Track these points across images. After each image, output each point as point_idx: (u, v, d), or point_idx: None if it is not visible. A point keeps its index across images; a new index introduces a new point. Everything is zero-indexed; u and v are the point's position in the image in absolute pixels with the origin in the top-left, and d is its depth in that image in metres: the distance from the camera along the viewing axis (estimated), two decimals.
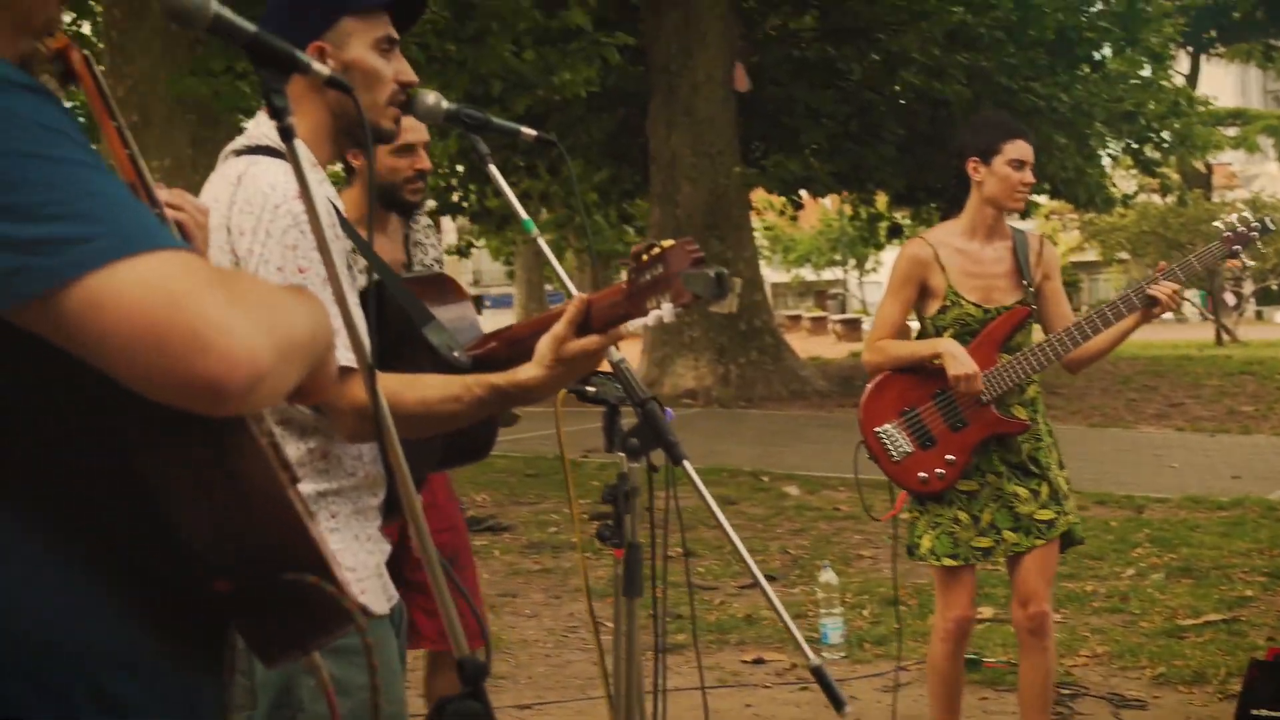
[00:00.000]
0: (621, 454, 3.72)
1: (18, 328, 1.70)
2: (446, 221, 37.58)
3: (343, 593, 1.95)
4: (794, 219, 36.56)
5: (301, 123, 3.39)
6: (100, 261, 1.66)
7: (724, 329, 23.88)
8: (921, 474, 5.55)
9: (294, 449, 3.21)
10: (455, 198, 29.86)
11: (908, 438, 5.57)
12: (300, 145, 3.35)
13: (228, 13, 2.21)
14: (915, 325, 5.82)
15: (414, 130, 5.40)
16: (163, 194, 2.50)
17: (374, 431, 3.21)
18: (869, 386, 5.70)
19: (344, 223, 3.38)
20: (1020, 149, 5.52)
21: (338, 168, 3.82)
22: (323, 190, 3.33)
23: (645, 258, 3.12)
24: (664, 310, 3.08)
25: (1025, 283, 5.59)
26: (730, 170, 24.45)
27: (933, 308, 5.62)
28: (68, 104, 1.95)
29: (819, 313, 65.14)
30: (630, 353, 25.85)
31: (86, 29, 23.40)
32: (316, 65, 2.32)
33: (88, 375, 1.72)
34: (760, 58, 26.63)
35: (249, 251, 3.17)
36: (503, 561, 10.96)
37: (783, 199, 30.81)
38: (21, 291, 1.65)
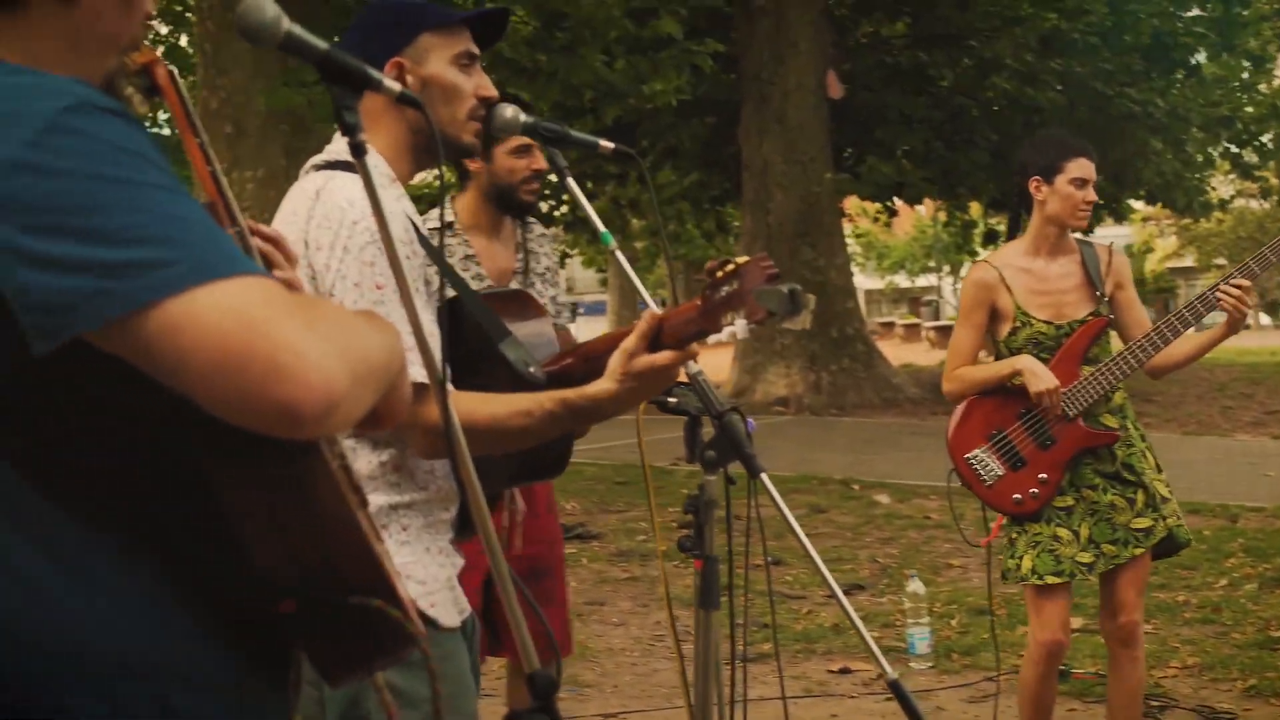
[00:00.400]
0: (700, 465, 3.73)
1: (96, 348, 1.73)
2: None
3: (407, 616, 1.98)
4: (887, 225, 36.43)
5: (380, 138, 3.43)
6: (180, 286, 1.68)
7: (816, 336, 23.82)
8: (1016, 496, 5.51)
9: (366, 462, 3.24)
10: (546, 207, 29.97)
11: (998, 461, 5.54)
12: (378, 160, 3.40)
13: (299, 30, 2.23)
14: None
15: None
16: (259, 242, 2.52)
17: (446, 448, 3.25)
18: (954, 414, 5.68)
19: (422, 239, 3.40)
20: (1082, 167, 5.49)
21: (418, 180, 3.82)
22: (399, 206, 3.34)
23: (720, 274, 3.13)
24: (738, 326, 3.09)
25: (1098, 294, 5.54)
26: (822, 177, 24.41)
27: (1004, 330, 5.59)
28: (149, 125, 1.99)
29: (912, 320, 64.79)
30: (722, 360, 25.87)
31: (184, 41, 23.74)
32: (387, 82, 2.34)
33: (164, 396, 1.75)
34: (852, 64, 26.57)
35: (326, 266, 3.19)
36: (591, 570, 10.99)
37: (876, 205, 30.73)
38: (101, 314, 1.68)
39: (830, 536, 11.92)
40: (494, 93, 3.50)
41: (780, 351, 24.10)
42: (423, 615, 3.04)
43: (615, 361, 3.15)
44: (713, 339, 3.18)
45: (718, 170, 28.92)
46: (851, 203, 32.72)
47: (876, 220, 31.66)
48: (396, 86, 2.36)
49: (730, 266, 3.11)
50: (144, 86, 2.47)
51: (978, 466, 5.59)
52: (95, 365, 1.76)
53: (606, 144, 3.87)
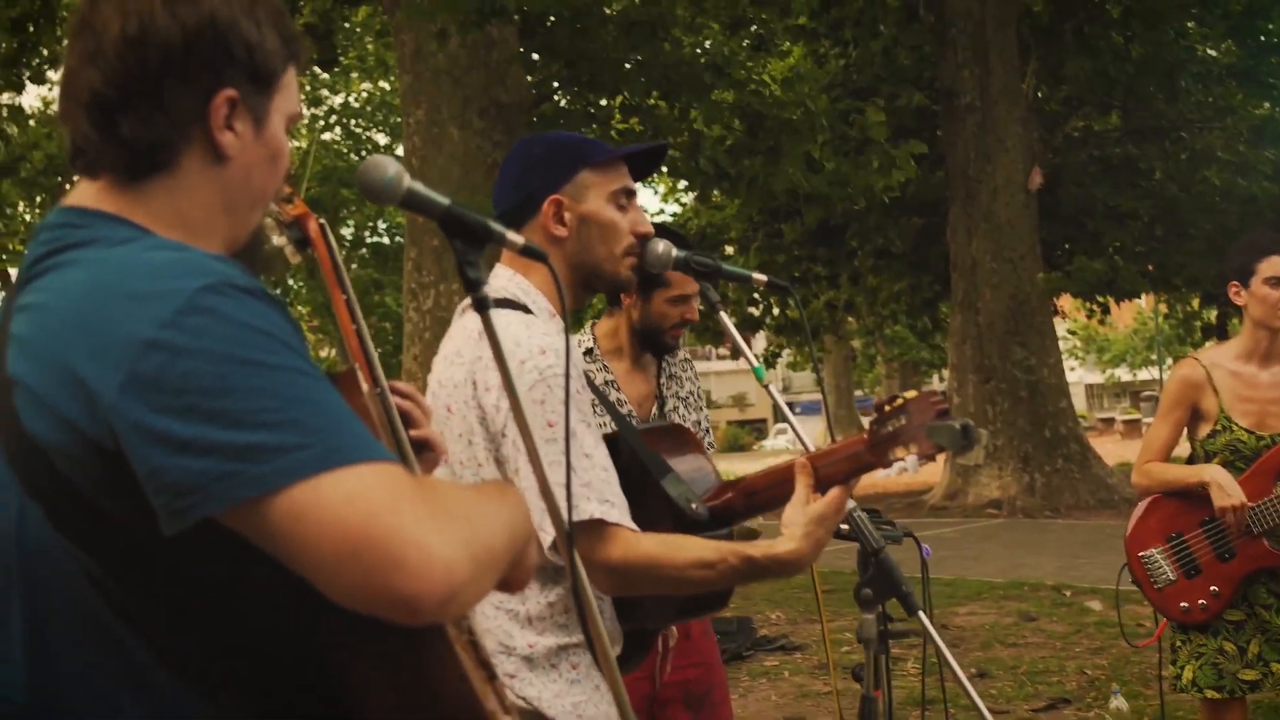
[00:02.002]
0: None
1: (224, 526, 1.76)
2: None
3: None
4: (1101, 322, 35.85)
5: (540, 272, 3.48)
6: (306, 473, 1.71)
7: (1029, 437, 23.44)
8: (1184, 604, 5.38)
9: (535, 604, 3.26)
10: (756, 312, 30.00)
11: (1172, 565, 5.41)
12: (537, 296, 3.44)
13: (420, 187, 2.25)
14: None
15: (690, 281, 5.46)
16: (399, 401, 2.54)
17: (627, 584, 3.25)
18: (1137, 508, 5.56)
19: (585, 376, 3.42)
20: (1274, 265, 5.35)
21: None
22: (559, 342, 3.37)
23: (888, 408, 3.11)
24: (908, 462, 3.06)
25: None
26: (1033, 276, 24.08)
27: (1203, 431, 5.46)
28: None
29: (1134, 414, 63.39)
30: (933, 463, 25.49)
31: (400, 151, 24.28)
32: (510, 236, 2.34)
33: (290, 575, 1.77)
34: (1060, 160, 26.27)
35: (496, 407, 3.22)
36: (792, 683, 10.85)
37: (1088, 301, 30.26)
38: (228, 497, 1.71)
39: (1039, 646, 11.64)
40: (650, 229, 3.53)
41: (993, 453, 23.73)
42: None
43: (793, 517, 3.17)
44: (882, 474, 3.17)
45: (927, 271, 28.72)
46: (1064, 298, 32.24)
47: (1090, 317, 31.05)
48: (520, 240, 2.36)
49: (898, 401, 3.09)
50: (296, 238, 2.53)
51: (1151, 567, 5.47)
52: (223, 541, 1.79)
53: (760, 277, 3.87)
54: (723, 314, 3.78)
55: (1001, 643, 11.50)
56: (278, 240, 2.55)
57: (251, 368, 1.76)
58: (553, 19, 16.71)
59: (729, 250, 29.06)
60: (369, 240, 37.23)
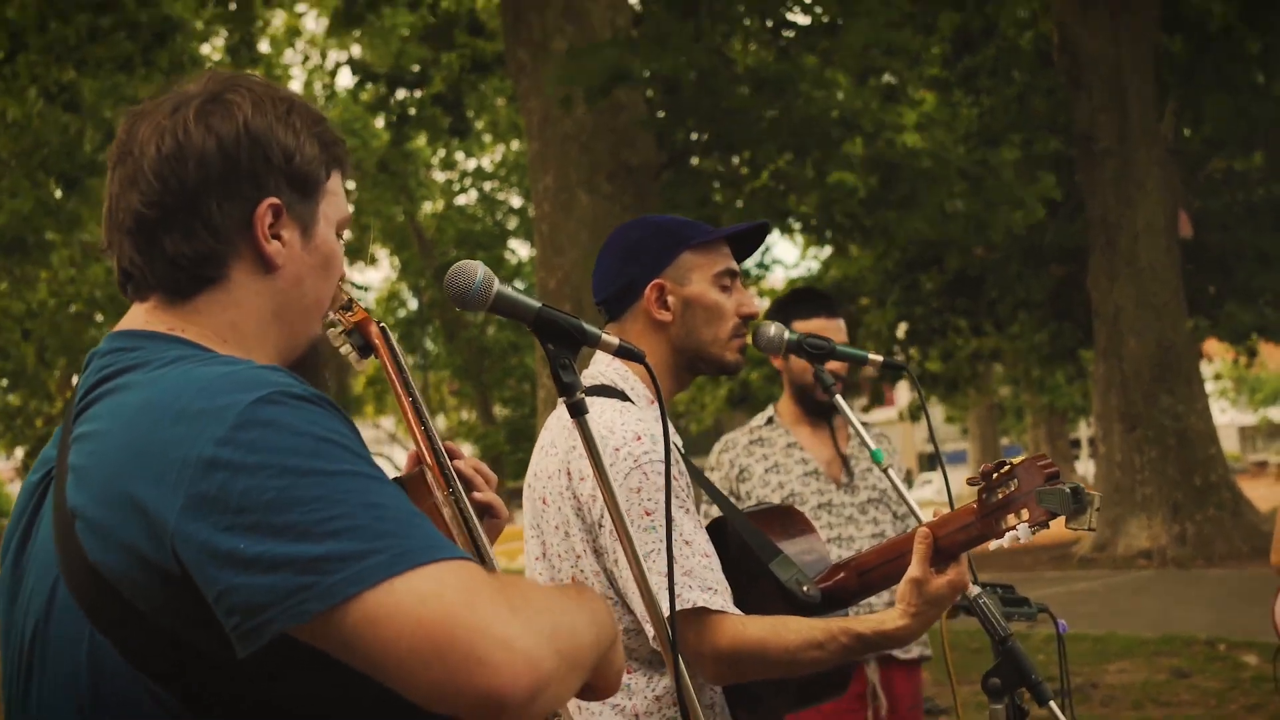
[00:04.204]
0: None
1: (298, 641, 1.73)
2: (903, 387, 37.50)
3: None
4: (1248, 365, 35.26)
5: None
6: (378, 578, 1.68)
7: (1178, 485, 22.97)
8: None
9: (641, 698, 3.21)
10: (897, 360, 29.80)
11: None
12: (635, 383, 3.38)
13: (510, 291, 2.26)
14: None
15: (823, 330, 5.43)
16: (460, 464, 2.52)
17: (736, 671, 3.18)
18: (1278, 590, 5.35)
19: (685, 459, 3.36)
20: None
21: None
22: (659, 427, 3.32)
23: (996, 475, 3.04)
24: (1020, 531, 2.97)
25: None
26: (1178, 322, 23.63)
27: None
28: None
29: None
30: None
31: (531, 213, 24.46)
32: (605, 337, 2.32)
33: (372, 685, 1.73)
34: (1203, 202, 25.83)
35: (592, 497, 3.19)
36: None
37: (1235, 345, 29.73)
38: (301, 611, 1.68)
39: (1193, 704, 11.37)
40: (755, 310, 3.49)
41: (1142, 503, 23.28)
42: None
43: (908, 593, 3.12)
44: (994, 545, 3.07)
45: (1069, 319, 28.35)
46: (1210, 340, 31.74)
47: (1236, 362, 30.53)
48: (615, 341, 2.36)
49: (1006, 468, 3.03)
50: (358, 345, 2.53)
51: None
52: (301, 659, 1.76)
53: (875, 357, 3.85)
54: (839, 397, 3.73)
55: (1154, 701, 11.24)
56: (342, 348, 2.56)
57: (313, 477, 1.74)
58: (681, 82, 16.74)
59: (864, 302, 28.91)
60: None
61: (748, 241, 3.58)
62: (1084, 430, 56.86)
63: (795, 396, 5.60)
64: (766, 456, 5.59)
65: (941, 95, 25.56)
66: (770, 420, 5.66)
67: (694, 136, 18.43)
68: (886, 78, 20.89)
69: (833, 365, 5.41)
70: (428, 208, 40.22)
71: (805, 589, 3.32)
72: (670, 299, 3.42)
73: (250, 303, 2.05)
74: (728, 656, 3.10)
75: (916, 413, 34.15)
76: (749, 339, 3.61)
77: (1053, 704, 3.33)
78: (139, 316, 2.06)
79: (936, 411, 49.55)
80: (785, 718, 3.71)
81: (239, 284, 2.04)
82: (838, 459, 5.57)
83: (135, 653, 1.82)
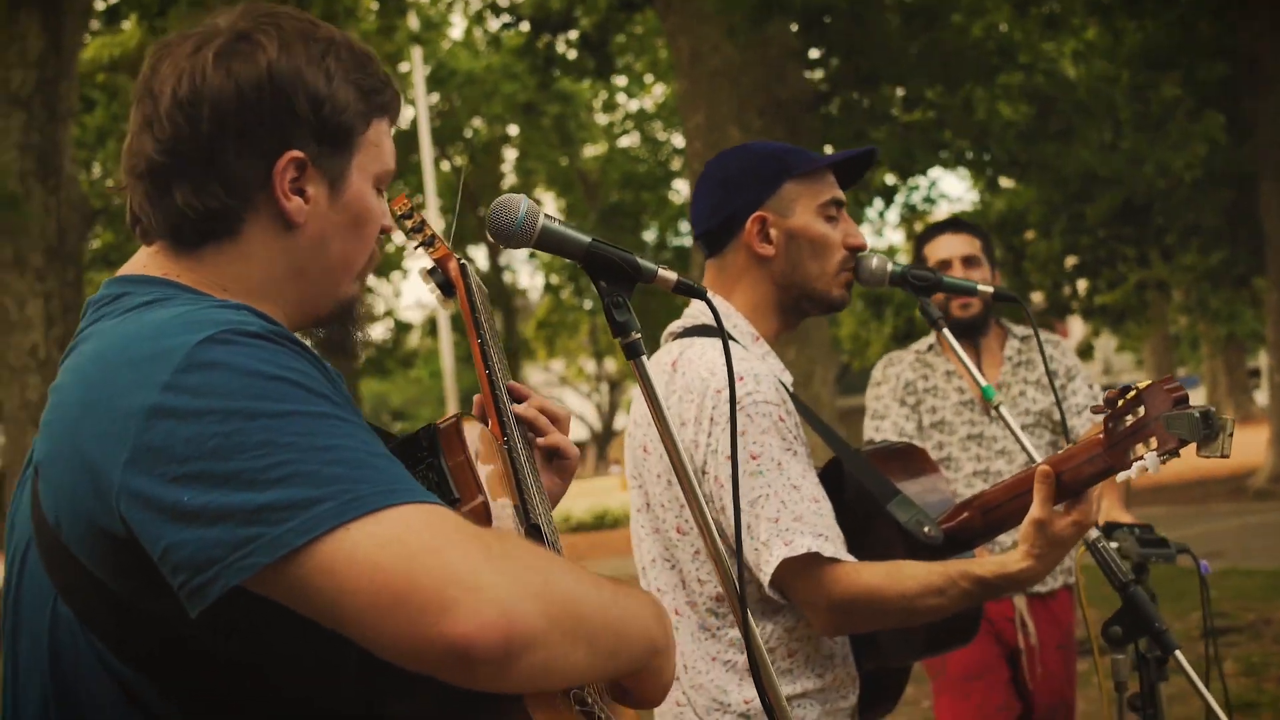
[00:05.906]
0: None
1: (254, 594, 1.64)
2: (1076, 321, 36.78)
3: None
4: None
5: (742, 295, 3.33)
6: (327, 526, 1.58)
7: None
8: None
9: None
10: (1065, 292, 29.25)
11: None
12: (739, 319, 3.30)
13: (556, 225, 2.11)
14: None
15: (947, 246, 5.41)
16: (522, 408, 2.42)
17: (851, 621, 3.10)
18: None
19: (793, 397, 3.28)
20: None
21: None
22: (764, 366, 3.23)
23: (1121, 403, 2.89)
24: (1148, 461, 2.82)
25: None
26: None
27: None
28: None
29: None
30: (1255, 439, 24.46)
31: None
32: (663, 272, 2.17)
33: (344, 644, 1.64)
34: None
35: (694, 443, 3.09)
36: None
37: None
38: (247, 565, 1.58)
39: None
40: (863, 241, 3.36)
41: None
42: None
43: (1030, 534, 2.96)
44: (1120, 477, 2.93)
45: (1242, 245, 27.58)
46: None
47: None
48: (673, 277, 2.18)
49: (1131, 393, 2.87)
50: (440, 282, 2.48)
51: None
52: (256, 611, 1.66)
53: (985, 288, 3.70)
54: (946, 331, 3.59)
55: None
56: (426, 284, 2.53)
57: (262, 420, 1.63)
58: (830, 13, 16.47)
59: (1029, 235, 28.35)
60: (671, 244, 37.20)
61: (854, 169, 3.45)
62: (1264, 360, 55.50)
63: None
64: (927, 378, 5.64)
65: (1104, 21, 24.90)
66: (931, 347, 5.70)
67: (839, 71, 18.08)
68: (1045, 7, 20.36)
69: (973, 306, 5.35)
70: (590, 151, 40.06)
71: (926, 530, 3.18)
72: (773, 231, 3.28)
73: (263, 258, 1.92)
74: (841, 605, 3.00)
75: (1089, 351, 33.53)
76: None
77: (1178, 653, 3.23)
78: (140, 260, 1.97)
79: (1108, 343, 48.60)
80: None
81: (253, 239, 1.91)
82: (997, 382, 5.60)
83: (93, 618, 1.76)
